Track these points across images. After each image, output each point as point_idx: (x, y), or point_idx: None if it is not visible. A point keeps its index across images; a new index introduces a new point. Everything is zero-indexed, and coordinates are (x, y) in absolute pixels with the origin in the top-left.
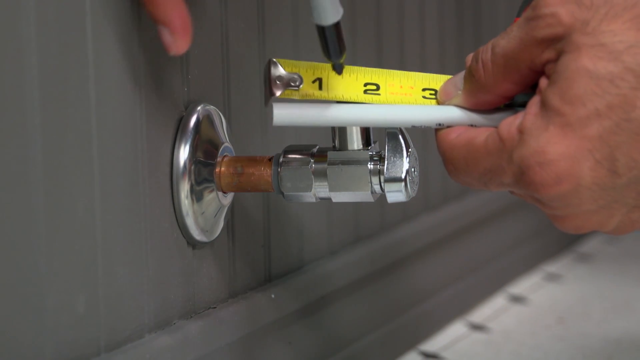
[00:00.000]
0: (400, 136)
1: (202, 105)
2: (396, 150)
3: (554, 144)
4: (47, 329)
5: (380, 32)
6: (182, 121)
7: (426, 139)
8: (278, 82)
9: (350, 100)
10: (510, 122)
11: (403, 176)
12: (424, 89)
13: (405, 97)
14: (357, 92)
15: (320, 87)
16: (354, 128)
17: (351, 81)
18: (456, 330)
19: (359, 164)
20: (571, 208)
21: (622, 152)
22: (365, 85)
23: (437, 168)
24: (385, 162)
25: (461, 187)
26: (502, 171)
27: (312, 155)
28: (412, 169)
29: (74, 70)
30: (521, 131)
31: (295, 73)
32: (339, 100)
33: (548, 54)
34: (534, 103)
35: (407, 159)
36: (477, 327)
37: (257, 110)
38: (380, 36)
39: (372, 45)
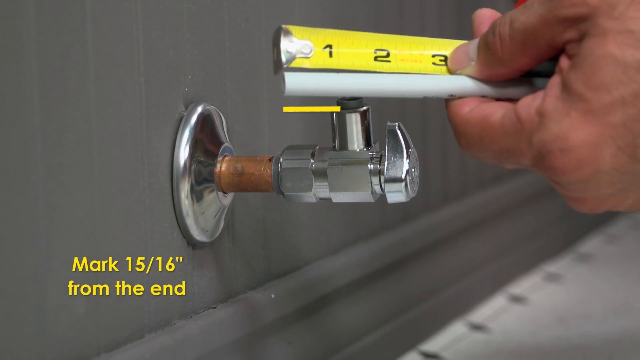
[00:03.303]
0: (400, 136)
1: (202, 105)
2: (396, 151)
3: (576, 130)
4: (47, 329)
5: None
6: (182, 121)
7: (426, 139)
8: (289, 50)
9: (360, 69)
10: (528, 103)
11: (403, 176)
12: (433, 55)
13: (416, 63)
14: (367, 60)
15: (330, 55)
16: (354, 128)
17: (361, 47)
18: (456, 330)
19: (359, 164)
20: (589, 191)
21: None
22: (375, 51)
23: (437, 168)
24: (386, 162)
25: (461, 187)
26: (521, 153)
27: (312, 155)
28: (412, 169)
29: (74, 70)
30: (541, 114)
31: (306, 40)
32: (349, 68)
33: (570, 34)
34: (554, 84)
35: (407, 159)
36: (477, 327)
37: (257, 110)
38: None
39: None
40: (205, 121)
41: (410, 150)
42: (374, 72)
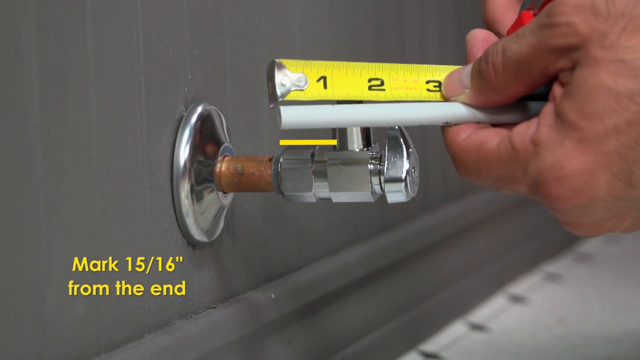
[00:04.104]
0: (400, 136)
1: (202, 105)
2: (396, 151)
3: (571, 159)
4: (47, 329)
5: (380, 23)
6: (182, 121)
7: (426, 139)
8: (283, 83)
9: (355, 99)
10: (523, 132)
11: (403, 176)
12: (427, 82)
13: (410, 91)
14: (361, 89)
15: (325, 86)
16: (355, 128)
17: (355, 77)
18: (456, 330)
19: (359, 164)
20: (585, 217)
21: (639, 166)
22: (370, 80)
23: (437, 168)
24: (386, 162)
25: (461, 187)
26: (516, 181)
27: (312, 155)
28: (412, 169)
29: (74, 70)
30: (535, 143)
31: (300, 73)
32: (344, 99)
33: (562, 62)
34: (547, 113)
35: (408, 159)
36: (477, 327)
37: (257, 110)
38: (380, 28)
39: (371, 36)
40: (205, 121)
41: (410, 150)
42: (369, 101)
